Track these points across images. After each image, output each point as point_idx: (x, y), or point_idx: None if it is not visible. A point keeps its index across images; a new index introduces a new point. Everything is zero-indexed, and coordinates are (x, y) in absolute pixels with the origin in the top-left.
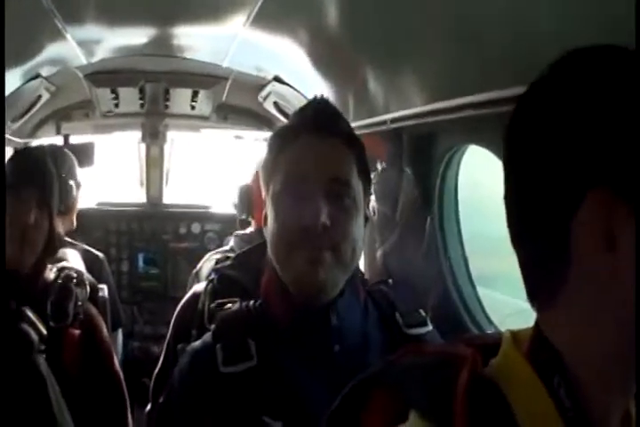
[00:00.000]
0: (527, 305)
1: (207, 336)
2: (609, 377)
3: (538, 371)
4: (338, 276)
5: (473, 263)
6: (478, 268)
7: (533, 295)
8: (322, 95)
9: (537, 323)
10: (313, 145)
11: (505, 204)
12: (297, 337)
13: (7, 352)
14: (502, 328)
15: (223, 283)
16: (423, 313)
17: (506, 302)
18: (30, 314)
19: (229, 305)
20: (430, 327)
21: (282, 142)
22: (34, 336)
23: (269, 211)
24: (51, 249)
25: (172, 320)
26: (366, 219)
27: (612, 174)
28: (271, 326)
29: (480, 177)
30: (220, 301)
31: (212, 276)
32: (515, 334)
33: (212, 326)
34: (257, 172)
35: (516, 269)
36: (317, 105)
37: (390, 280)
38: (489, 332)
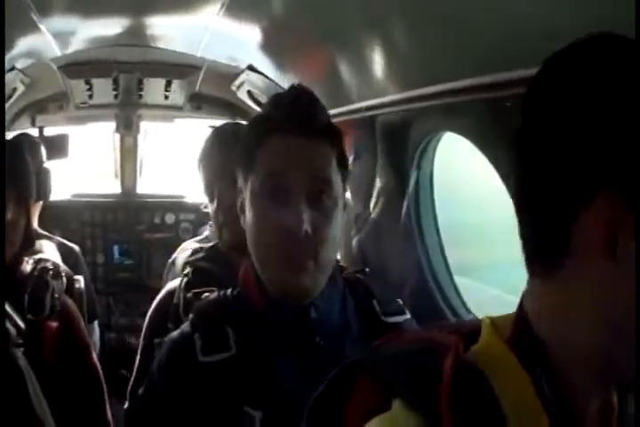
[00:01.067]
0: (500, 292)
1: (185, 326)
2: (589, 365)
3: (520, 359)
4: (320, 280)
5: (448, 252)
6: (453, 257)
7: (530, 262)
8: (298, 83)
9: (520, 308)
10: (291, 140)
11: (513, 179)
12: (276, 329)
13: None
14: (479, 314)
15: (197, 275)
16: (400, 302)
17: (480, 290)
18: (7, 307)
19: (207, 294)
20: (408, 316)
21: (258, 136)
22: (11, 330)
23: (248, 208)
24: (28, 244)
25: (148, 316)
26: (345, 207)
27: (618, 179)
28: (250, 316)
29: (456, 165)
30: (196, 290)
31: (187, 269)
32: (494, 321)
33: (190, 316)
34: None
35: (490, 258)
36: (294, 94)
37: (367, 269)
38: (466, 319)
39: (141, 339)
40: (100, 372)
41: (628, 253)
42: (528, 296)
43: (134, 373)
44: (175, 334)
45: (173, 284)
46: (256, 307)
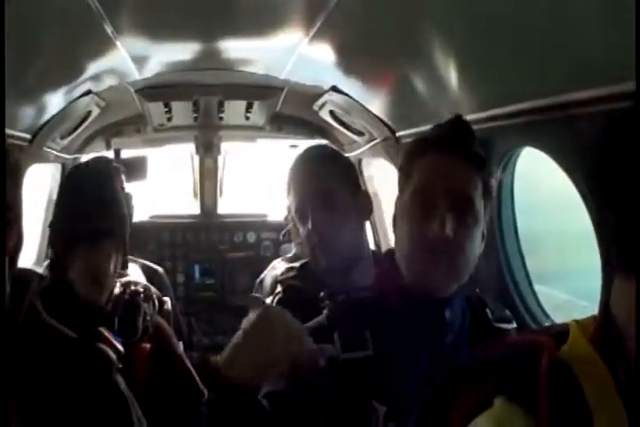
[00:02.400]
0: (570, 298)
1: (321, 320)
2: None
3: (601, 352)
4: (452, 282)
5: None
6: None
7: (617, 262)
8: (459, 116)
9: (606, 304)
10: (444, 160)
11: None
12: (412, 328)
13: (87, 373)
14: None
15: (289, 293)
16: (508, 312)
17: (552, 296)
18: (106, 333)
19: (340, 296)
20: (514, 324)
21: (415, 154)
22: (112, 355)
23: (400, 217)
24: (121, 270)
25: None
26: (483, 236)
27: None
28: (387, 318)
29: (536, 176)
30: (327, 291)
31: (279, 288)
32: (579, 323)
33: (326, 312)
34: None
35: (560, 265)
36: (454, 124)
37: (477, 290)
38: (547, 324)
39: None
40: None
41: None
42: (614, 292)
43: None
44: (313, 326)
45: (266, 302)
46: (393, 306)
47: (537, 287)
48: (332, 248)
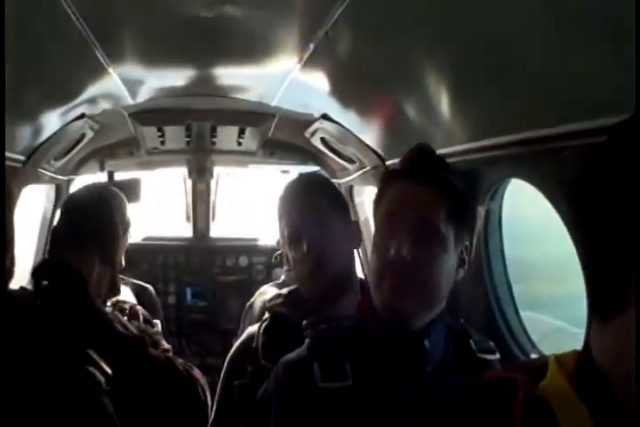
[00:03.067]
0: (562, 324)
1: (302, 351)
2: None
3: (579, 390)
4: (419, 308)
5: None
6: (519, 291)
7: (595, 304)
8: (424, 144)
9: (586, 343)
10: (407, 188)
11: (578, 227)
12: (392, 358)
13: (75, 396)
14: (542, 345)
15: (276, 321)
16: (492, 343)
17: (544, 322)
18: (94, 355)
19: (322, 325)
20: (498, 356)
21: (384, 185)
22: (100, 378)
23: (373, 241)
24: (111, 295)
25: (228, 358)
26: (462, 263)
27: None
28: (367, 348)
29: (523, 209)
30: (311, 320)
31: (266, 315)
32: (558, 358)
33: (307, 342)
34: None
35: (553, 292)
36: (418, 152)
37: (461, 320)
38: (533, 355)
39: (220, 381)
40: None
41: None
42: (592, 335)
43: (213, 413)
44: (293, 357)
45: (253, 329)
46: (374, 337)
47: (527, 314)
48: (327, 274)
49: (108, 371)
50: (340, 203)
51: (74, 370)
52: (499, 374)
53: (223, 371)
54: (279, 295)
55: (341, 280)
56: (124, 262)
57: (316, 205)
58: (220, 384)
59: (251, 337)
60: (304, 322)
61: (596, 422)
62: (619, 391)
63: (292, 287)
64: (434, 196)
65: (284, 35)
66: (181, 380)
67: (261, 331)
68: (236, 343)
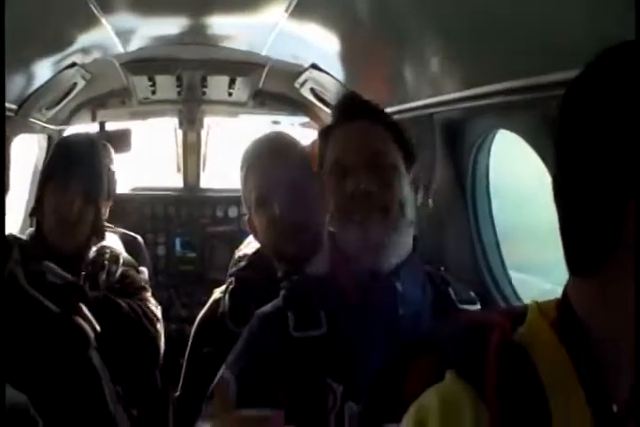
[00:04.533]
0: (553, 287)
1: (278, 301)
2: (628, 349)
3: (562, 338)
4: (390, 238)
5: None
6: (510, 253)
7: (574, 260)
8: (350, 92)
9: (565, 293)
10: (347, 132)
11: (557, 177)
12: (365, 304)
13: (64, 347)
14: None
15: (241, 284)
16: (472, 293)
17: (535, 284)
18: (85, 310)
19: (296, 277)
20: (479, 306)
21: (325, 136)
22: (90, 333)
23: (327, 194)
24: (96, 236)
25: (195, 324)
26: (415, 189)
27: None
28: (340, 296)
29: (510, 163)
30: (287, 271)
31: (230, 279)
32: (540, 305)
33: (282, 292)
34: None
35: (543, 254)
36: (350, 99)
37: (442, 268)
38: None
39: (188, 349)
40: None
41: None
42: (572, 287)
43: (181, 382)
44: (268, 308)
45: (218, 294)
46: (345, 284)
47: (518, 276)
48: (302, 233)
49: (97, 326)
50: (307, 160)
51: (64, 322)
52: (476, 316)
53: (190, 339)
54: (243, 257)
55: (313, 242)
56: (108, 207)
57: (284, 164)
58: (187, 352)
59: (217, 302)
60: (278, 274)
61: (578, 373)
62: (598, 346)
63: (255, 249)
64: (374, 130)
65: None
66: (125, 317)
67: (227, 295)
68: (204, 308)
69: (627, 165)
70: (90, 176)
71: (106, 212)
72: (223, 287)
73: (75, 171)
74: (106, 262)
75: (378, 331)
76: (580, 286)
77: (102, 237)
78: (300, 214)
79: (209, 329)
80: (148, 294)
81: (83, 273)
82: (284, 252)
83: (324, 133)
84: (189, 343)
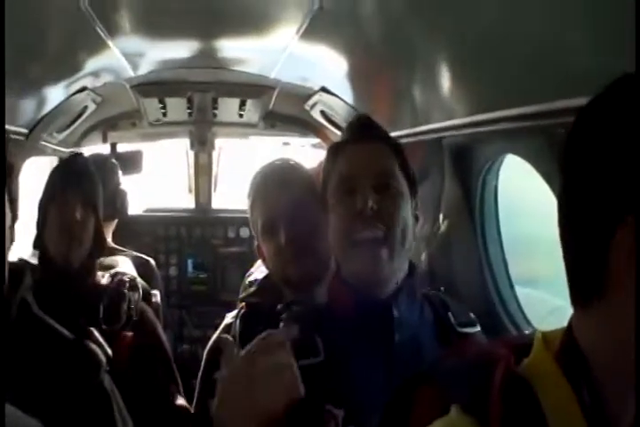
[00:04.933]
0: (564, 303)
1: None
2: (631, 380)
3: (565, 371)
4: (393, 262)
5: (516, 264)
6: (518, 269)
7: (573, 291)
8: (362, 113)
9: (569, 325)
10: (358, 151)
11: (558, 207)
12: (361, 330)
13: (75, 373)
14: (543, 324)
15: (251, 309)
16: (472, 315)
17: (545, 300)
18: (97, 334)
19: (295, 307)
20: (479, 328)
21: (334, 153)
22: (102, 357)
23: (331, 215)
24: (99, 249)
25: (206, 351)
26: (416, 219)
27: None
28: (337, 323)
29: (521, 183)
30: (287, 302)
31: (241, 304)
32: (545, 335)
33: (281, 324)
34: None
35: (553, 270)
36: (359, 120)
37: (442, 288)
38: (527, 332)
39: (200, 373)
40: (177, 374)
41: None
42: (575, 320)
43: (194, 406)
44: None
45: (229, 319)
46: (343, 310)
47: (527, 292)
48: (305, 265)
49: (109, 351)
50: (314, 186)
51: (76, 347)
52: (480, 348)
53: (203, 362)
54: (252, 282)
55: (319, 268)
56: (114, 224)
57: (290, 191)
58: (199, 376)
59: (228, 327)
60: (278, 306)
61: (581, 405)
62: (601, 377)
63: (265, 275)
64: (384, 151)
65: (280, 7)
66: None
67: (238, 320)
68: (214, 334)
69: (619, 192)
70: (87, 185)
71: (111, 229)
72: (234, 312)
73: (72, 184)
74: (126, 291)
75: (375, 356)
76: (582, 317)
77: (102, 251)
78: (307, 241)
79: (219, 353)
80: (161, 333)
81: (103, 303)
82: (291, 278)
83: (334, 150)
84: (202, 367)
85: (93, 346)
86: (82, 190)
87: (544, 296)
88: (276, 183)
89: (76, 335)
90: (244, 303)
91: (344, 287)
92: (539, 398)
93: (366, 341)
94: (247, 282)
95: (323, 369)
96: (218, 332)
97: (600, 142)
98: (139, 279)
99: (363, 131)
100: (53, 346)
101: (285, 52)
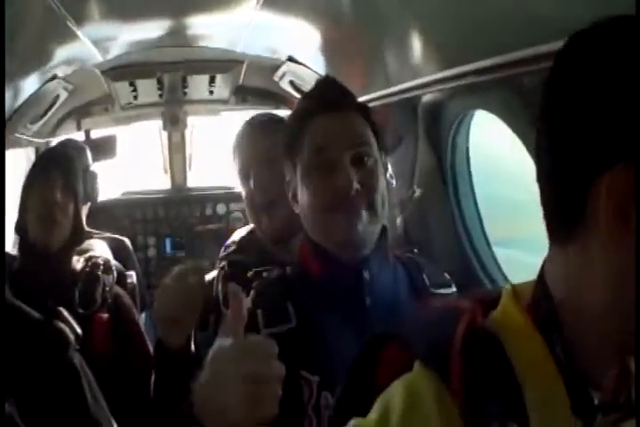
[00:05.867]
0: (536, 260)
1: (246, 302)
2: (604, 330)
3: (537, 323)
4: (373, 230)
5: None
6: (492, 229)
7: (550, 229)
8: (326, 76)
9: (541, 274)
10: (333, 119)
11: (536, 148)
12: (332, 294)
13: (43, 351)
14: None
15: (233, 268)
16: (447, 276)
17: (517, 259)
18: (66, 313)
19: (265, 273)
20: (454, 288)
21: (301, 124)
22: (70, 336)
23: (301, 188)
24: (78, 233)
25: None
26: (387, 184)
27: (632, 153)
28: (308, 288)
29: (491, 143)
30: (256, 269)
31: (223, 263)
32: (515, 289)
33: (251, 293)
34: None
35: (525, 229)
36: (323, 85)
37: (415, 250)
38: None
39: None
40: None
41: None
42: (548, 262)
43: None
44: None
45: (210, 277)
46: (314, 275)
47: (509, 252)
48: (276, 208)
49: (78, 330)
50: None
51: (43, 326)
52: (446, 303)
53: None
54: (233, 242)
55: (292, 217)
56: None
57: (264, 139)
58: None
59: (210, 284)
60: (249, 273)
61: (555, 359)
62: (573, 322)
63: (246, 232)
64: (356, 119)
65: None
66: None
67: (219, 279)
68: None
69: (602, 139)
70: (66, 169)
71: (85, 213)
72: (215, 272)
73: (51, 171)
74: (100, 274)
75: (347, 321)
76: (557, 255)
77: (81, 239)
78: (276, 191)
79: (203, 313)
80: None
81: (77, 287)
82: (262, 226)
83: (300, 118)
84: None
85: (62, 325)
86: (60, 173)
87: (516, 254)
88: (254, 132)
89: (45, 316)
90: (224, 262)
91: (314, 251)
92: (507, 352)
93: (338, 305)
94: (225, 245)
95: (295, 336)
96: None
97: (583, 87)
98: (113, 261)
99: (334, 97)
100: (22, 326)
101: (250, 25)
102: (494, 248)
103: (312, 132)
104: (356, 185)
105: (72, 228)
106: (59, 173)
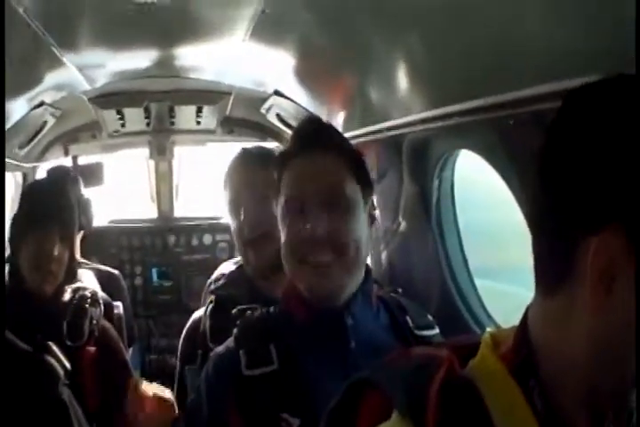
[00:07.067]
0: (519, 290)
1: (230, 342)
2: (584, 380)
3: (515, 371)
4: (345, 279)
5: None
6: (474, 260)
7: (537, 278)
8: (311, 115)
9: (523, 320)
10: (307, 163)
11: (531, 204)
12: (315, 338)
13: (33, 385)
14: (514, 317)
15: (221, 303)
16: (430, 318)
17: (508, 293)
18: (55, 348)
19: (249, 312)
20: (437, 330)
21: (282, 164)
22: (60, 371)
23: (281, 228)
24: (71, 276)
25: (179, 344)
26: (372, 219)
27: (625, 215)
28: (291, 330)
29: (475, 176)
30: (240, 307)
31: (211, 297)
32: (494, 335)
33: (234, 332)
34: None
35: (507, 260)
36: (308, 125)
37: (399, 289)
38: (486, 324)
39: (177, 366)
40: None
41: (624, 290)
42: (532, 309)
43: (175, 396)
44: (220, 349)
45: (199, 313)
46: (297, 319)
47: (482, 282)
48: (263, 244)
49: (67, 365)
50: None
51: (34, 360)
52: (424, 351)
53: (178, 356)
54: (222, 275)
55: (279, 253)
56: (81, 236)
57: (253, 172)
58: (177, 370)
59: (197, 321)
60: (233, 311)
61: (533, 409)
62: (552, 372)
63: (235, 267)
64: (335, 163)
65: (226, 13)
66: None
67: (207, 314)
68: (185, 329)
69: (596, 200)
70: (60, 211)
71: (78, 241)
72: (202, 309)
73: (47, 224)
74: (87, 307)
75: (331, 365)
76: (542, 304)
77: (74, 276)
78: (265, 223)
79: (191, 347)
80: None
81: (65, 320)
82: (249, 261)
83: (281, 161)
84: (177, 360)
85: (52, 360)
86: (59, 222)
87: (505, 288)
88: (246, 167)
89: (35, 350)
90: (213, 297)
91: (296, 296)
92: (484, 401)
93: (321, 348)
94: (213, 278)
95: (277, 378)
96: (187, 326)
97: (583, 148)
98: (100, 293)
99: (311, 139)
100: (12, 360)
101: (236, 56)
102: (477, 279)
103: (287, 176)
104: (321, 232)
105: (66, 273)
106: (56, 226)
